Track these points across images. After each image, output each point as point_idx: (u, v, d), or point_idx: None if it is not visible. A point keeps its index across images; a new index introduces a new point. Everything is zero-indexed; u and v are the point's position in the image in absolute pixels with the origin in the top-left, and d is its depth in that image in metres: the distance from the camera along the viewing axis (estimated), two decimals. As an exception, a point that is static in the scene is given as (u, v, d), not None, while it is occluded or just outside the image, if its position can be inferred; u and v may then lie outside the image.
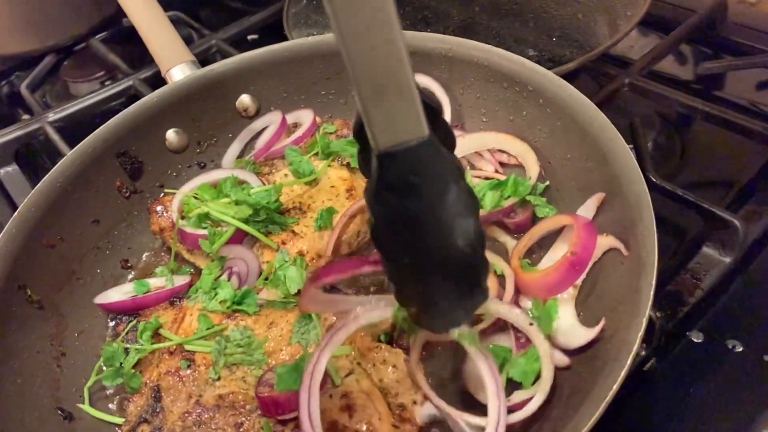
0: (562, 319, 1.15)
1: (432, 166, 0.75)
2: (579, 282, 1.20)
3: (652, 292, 0.93)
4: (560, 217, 1.30)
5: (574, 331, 1.12)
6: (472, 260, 0.85)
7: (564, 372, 1.11)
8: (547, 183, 1.39)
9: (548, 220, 1.32)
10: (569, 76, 1.38)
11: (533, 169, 1.40)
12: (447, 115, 1.56)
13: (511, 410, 1.05)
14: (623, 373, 0.86)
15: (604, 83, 1.76)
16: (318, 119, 1.65)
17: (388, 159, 0.73)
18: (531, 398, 1.07)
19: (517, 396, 1.09)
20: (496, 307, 1.14)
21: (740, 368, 1.17)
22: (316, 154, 1.53)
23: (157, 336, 1.27)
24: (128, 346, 1.26)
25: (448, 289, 0.89)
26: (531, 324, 1.12)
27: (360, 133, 0.76)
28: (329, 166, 1.50)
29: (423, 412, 1.08)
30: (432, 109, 0.76)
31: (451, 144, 0.83)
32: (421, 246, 0.82)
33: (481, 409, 1.06)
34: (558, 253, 1.26)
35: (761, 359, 1.16)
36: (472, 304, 0.94)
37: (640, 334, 0.90)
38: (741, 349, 1.18)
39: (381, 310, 1.07)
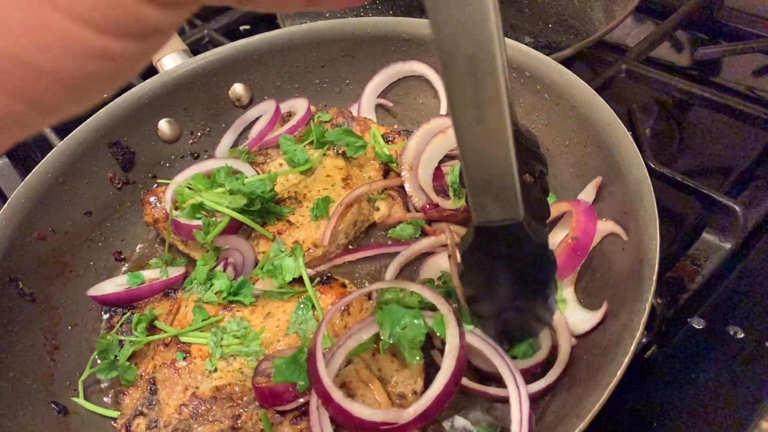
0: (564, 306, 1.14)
1: (520, 242, 0.87)
2: (578, 267, 1.19)
3: (654, 278, 0.92)
4: (559, 205, 1.28)
5: (576, 315, 1.12)
6: (544, 309, 1.02)
7: (565, 360, 1.11)
8: None
9: None
10: (564, 63, 1.37)
11: None
12: (443, 107, 1.55)
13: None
14: (627, 360, 0.86)
15: (600, 70, 1.74)
16: (312, 108, 1.63)
17: (483, 231, 0.86)
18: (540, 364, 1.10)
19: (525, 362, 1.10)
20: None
21: (741, 354, 1.16)
22: (311, 143, 1.51)
23: (152, 328, 1.25)
24: (123, 338, 1.24)
25: (522, 321, 1.06)
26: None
27: None
28: (324, 155, 1.48)
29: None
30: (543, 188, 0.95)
31: (543, 216, 0.96)
32: (501, 291, 0.97)
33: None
34: (557, 239, 1.25)
35: (762, 345, 1.16)
36: (537, 329, 1.10)
37: (643, 320, 0.89)
38: (742, 335, 1.18)
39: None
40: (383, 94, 1.66)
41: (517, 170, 0.78)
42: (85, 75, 0.48)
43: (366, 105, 1.64)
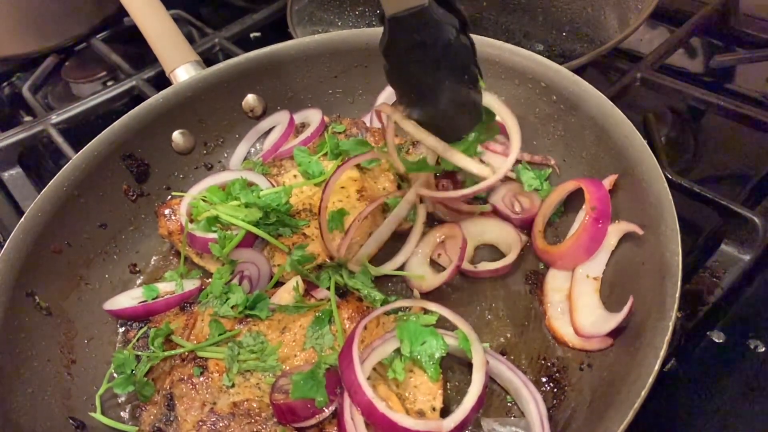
0: (589, 311, 1.15)
1: (432, 27, 0.95)
2: (600, 274, 1.20)
3: (677, 295, 0.92)
4: (565, 185, 1.32)
5: (595, 313, 1.15)
6: (467, 91, 1.08)
7: (584, 375, 1.10)
8: (549, 170, 1.41)
9: (554, 193, 1.34)
10: (578, 71, 1.36)
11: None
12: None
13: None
14: (651, 380, 0.85)
15: (614, 77, 1.74)
16: (326, 118, 1.63)
17: (395, 22, 0.95)
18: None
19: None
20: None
21: (763, 368, 1.15)
22: (325, 154, 1.51)
23: (168, 342, 1.25)
24: (140, 353, 1.24)
25: (449, 109, 1.10)
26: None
27: None
28: (338, 166, 1.47)
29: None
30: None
31: (463, 21, 1.00)
32: (426, 82, 1.04)
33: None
34: (576, 223, 1.29)
35: (784, 359, 1.15)
36: (468, 122, 1.15)
37: (667, 338, 0.88)
38: (763, 349, 1.17)
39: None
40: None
41: None
42: None
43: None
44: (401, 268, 1.34)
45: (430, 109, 1.11)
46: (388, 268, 1.32)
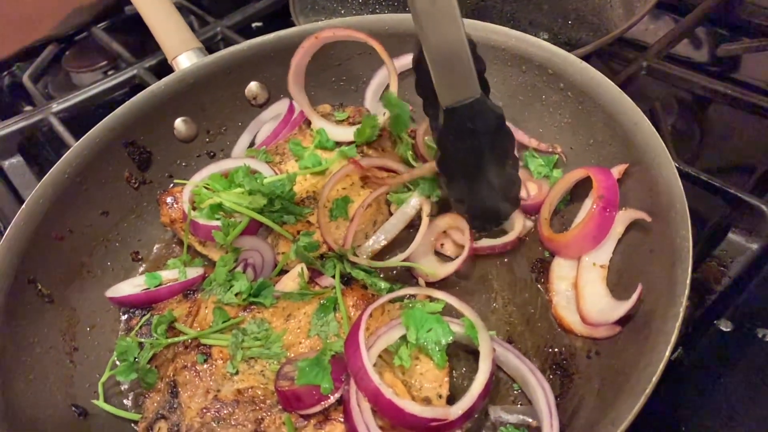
0: (595, 299, 1.15)
1: (483, 115, 1.05)
2: (606, 262, 1.19)
3: (688, 281, 0.91)
4: (573, 173, 1.31)
5: (602, 301, 1.14)
6: (509, 176, 1.19)
7: (592, 362, 1.09)
8: (556, 157, 1.40)
9: (561, 181, 1.33)
10: (583, 60, 1.35)
11: None
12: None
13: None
14: (662, 366, 0.84)
15: (618, 67, 1.72)
16: (328, 107, 1.61)
17: (451, 113, 1.03)
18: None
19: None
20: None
21: (771, 357, 1.14)
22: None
23: (171, 330, 1.23)
24: (143, 340, 1.23)
25: (493, 195, 1.21)
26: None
27: (419, 69, 1.10)
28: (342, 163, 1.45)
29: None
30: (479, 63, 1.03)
31: (487, 89, 1.10)
32: (475, 169, 1.14)
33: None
34: (583, 212, 1.28)
35: (793, 348, 1.14)
36: (510, 207, 1.27)
37: (678, 324, 0.87)
38: (771, 338, 1.16)
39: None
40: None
41: (468, 48, 0.95)
42: None
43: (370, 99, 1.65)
44: (407, 259, 1.33)
45: (478, 195, 1.19)
46: (396, 260, 1.31)
